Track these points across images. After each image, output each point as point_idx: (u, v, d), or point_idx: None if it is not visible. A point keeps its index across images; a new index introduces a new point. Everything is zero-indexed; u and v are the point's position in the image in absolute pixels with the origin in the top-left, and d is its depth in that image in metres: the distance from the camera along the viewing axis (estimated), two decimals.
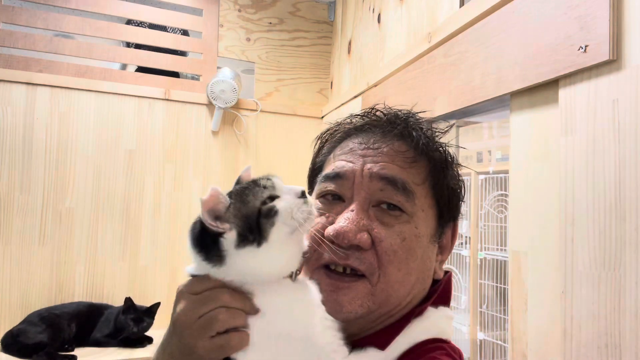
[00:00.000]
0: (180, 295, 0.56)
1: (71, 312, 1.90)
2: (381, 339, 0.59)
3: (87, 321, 1.93)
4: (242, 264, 0.54)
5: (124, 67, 2.47)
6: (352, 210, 0.60)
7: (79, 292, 2.09)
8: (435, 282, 0.67)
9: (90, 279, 2.11)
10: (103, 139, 2.17)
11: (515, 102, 1.13)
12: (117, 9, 2.23)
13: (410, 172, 0.62)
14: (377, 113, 0.68)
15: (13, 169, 2.02)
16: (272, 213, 0.54)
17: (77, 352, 1.82)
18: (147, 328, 1.91)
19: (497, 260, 2.15)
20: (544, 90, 1.04)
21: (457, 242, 2.42)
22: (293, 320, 0.55)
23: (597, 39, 0.89)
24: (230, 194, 0.56)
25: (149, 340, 1.95)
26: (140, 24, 2.34)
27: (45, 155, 2.07)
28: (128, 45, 2.34)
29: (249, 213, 0.54)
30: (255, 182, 0.57)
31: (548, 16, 1.01)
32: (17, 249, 2.01)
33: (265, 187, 0.56)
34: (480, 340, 2.19)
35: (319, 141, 0.71)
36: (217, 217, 0.54)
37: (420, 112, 0.69)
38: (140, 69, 2.33)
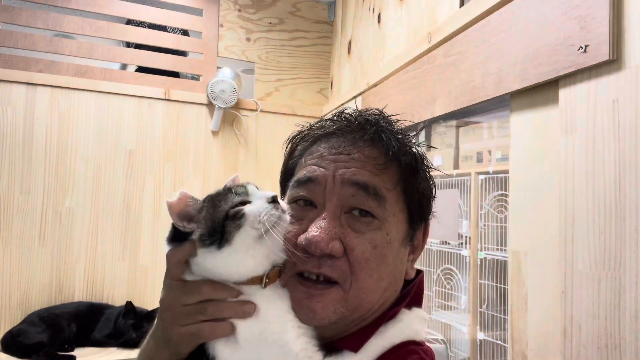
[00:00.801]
0: (165, 282, 0.59)
1: (71, 312, 1.90)
2: (354, 341, 0.60)
3: (88, 321, 1.93)
4: (204, 263, 0.57)
5: (124, 67, 2.47)
6: (324, 219, 0.60)
7: (79, 292, 2.09)
8: (406, 282, 0.68)
9: (90, 279, 2.11)
10: (103, 139, 2.17)
11: (515, 102, 1.13)
12: (117, 9, 2.23)
13: (382, 177, 0.62)
14: (348, 117, 0.67)
15: (13, 169, 2.02)
16: (238, 216, 0.56)
17: (77, 352, 1.82)
18: (146, 333, 1.91)
19: (497, 260, 2.15)
20: (544, 90, 1.04)
21: (457, 242, 2.41)
22: (266, 326, 0.56)
23: (597, 39, 0.89)
24: (204, 199, 0.60)
25: None
26: (140, 24, 2.34)
27: (45, 155, 2.07)
28: (128, 45, 2.34)
29: (216, 216, 0.57)
30: (229, 189, 0.60)
31: (548, 16, 1.01)
32: (17, 249, 2.01)
33: (237, 194, 0.59)
34: (480, 340, 2.19)
35: (290, 144, 0.71)
36: (189, 219, 0.58)
37: (391, 116, 0.68)
38: (140, 69, 2.33)
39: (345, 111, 0.68)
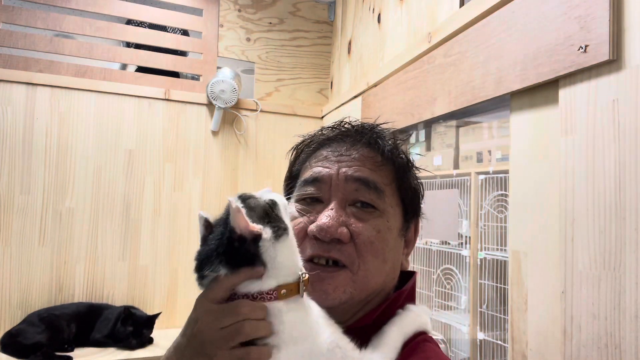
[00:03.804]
0: (201, 304, 0.57)
1: (71, 313, 1.90)
2: (367, 318, 0.67)
3: (87, 321, 1.93)
4: (282, 257, 0.56)
5: (124, 67, 2.47)
6: (332, 209, 0.67)
7: (79, 292, 2.09)
8: (402, 274, 0.75)
9: (90, 279, 2.11)
10: (103, 139, 2.17)
11: (515, 102, 1.13)
12: (117, 9, 2.23)
13: (379, 174, 0.70)
14: (347, 125, 0.76)
15: (13, 169, 2.02)
16: (275, 205, 0.59)
17: (77, 352, 1.82)
18: (145, 339, 1.91)
19: (497, 260, 2.15)
20: (544, 90, 1.04)
21: (457, 242, 2.41)
22: (312, 336, 0.56)
23: (597, 39, 0.89)
24: (248, 201, 0.59)
25: (150, 340, 1.95)
26: (140, 24, 2.34)
27: (45, 155, 2.07)
28: (128, 45, 2.34)
29: (263, 210, 0.58)
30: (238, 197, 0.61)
31: (548, 16, 1.01)
32: (17, 249, 2.01)
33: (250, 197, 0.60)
34: (480, 340, 2.19)
35: (295, 152, 0.79)
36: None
37: (383, 124, 0.77)
38: (140, 69, 2.33)
39: (344, 120, 0.77)
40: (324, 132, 0.77)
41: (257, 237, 0.55)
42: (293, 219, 0.68)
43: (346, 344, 0.58)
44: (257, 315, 0.55)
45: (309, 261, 0.66)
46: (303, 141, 0.78)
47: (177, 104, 2.30)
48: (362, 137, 0.72)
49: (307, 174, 0.72)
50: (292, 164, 0.79)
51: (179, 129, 2.30)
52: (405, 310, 0.69)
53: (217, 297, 0.56)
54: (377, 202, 0.68)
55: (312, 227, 0.66)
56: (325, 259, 0.66)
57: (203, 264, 0.57)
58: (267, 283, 0.56)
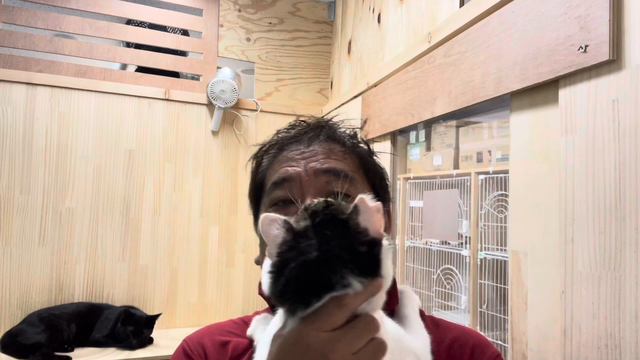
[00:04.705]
0: (306, 337, 0.44)
1: (71, 313, 1.91)
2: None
3: (87, 321, 1.93)
4: (390, 265, 0.46)
5: (124, 67, 2.47)
6: None
7: (79, 292, 2.09)
8: None
9: (90, 279, 2.11)
10: (103, 139, 2.17)
11: (515, 102, 1.13)
12: (117, 9, 2.23)
13: (346, 162, 0.70)
14: (303, 124, 0.75)
15: (13, 169, 2.02)
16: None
17: (77, 352, 1.82)
18: (146, 339, 1.91)
19: (497, 260, 2.15)
20: (544, 90, 1.04)
21: (457, 242, 2.40)
22: (398, 337, 0.53)
23: (597, 39, 0.89)
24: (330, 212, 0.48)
25: (150, 340, 1.95)
26: (140, 24, 2.34)
27: (45, 155, 2.07)
28: (128, 45, 2.34)
29: None
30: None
31: (548, 16, 1.01)
32: (17, 249, 2.01)
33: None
34: None
35: (255, 161, 0.77)
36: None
37: (335, 116, 0.77)
38: (140, 69, 2.33)
39: (298, 120, 0.77)
40: (280, 135, 0.76)
41: (380, 242, 0.45)
42: None
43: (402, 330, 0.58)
44: (377, 327, 0.47)
45: None
46: (261, 148, 0.77)
47: (177, 104, 2.30)
48: (320, 131, 0.72)
49: (274, 177, 0.69)
50: (255, 174, 0.76)
51: (179, 129, 2.30)
52: (405, 292, 0.71)
53: (339, 322, 0.44)
54: (351, 189, 0.67)
55: None
56: None
57: (315, 277, 0.43)
58: (383, 295, 0.47)
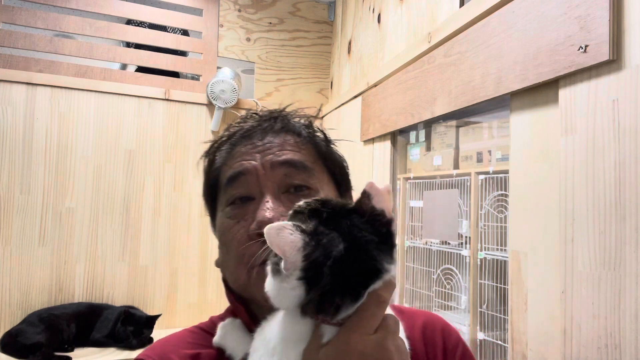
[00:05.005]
0: (355, 344, 0.42)
1: (70, 313, 1.91)
2: None
3: (87, 321, 1.93)
4: None
5: (124, 67, 2.47)
6: (268, 201, 0.61)
7: (79, 292, 2.09)
8: None
9: (90, 279, 2.11)
10: (103, 139, 2.17)
11: (515, 102, 1.13)
12: (117, 9, 2.23)
13: (303, 154, 0.66)
14: (255, 116, 0.72)
15: (13, 169, 2.02)
16: None
17: (77, 352, 1.82)
18: (146, 340, 1.91)
19: (497, 260, 2.15)
20: (544, 90, 1.04)
21: (457, 242, 2.39)
22: None
23: (597, 39, 0.89)
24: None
25: (150, 340, 1.95)
26: (140, 24, 2.34)
27: (45, 155, 2.07)
28: (128, 45, 2.34)
29: None
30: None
31: (548, 16, 1.01)
32: (17, 249, 2.01)
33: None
34: (480, 340, 2.19)
35: (207, 158, 0.73)
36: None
37: (288, 106, 0.74)
38: (140, 69, 2.33)
39: (249, 113, 0.73)
40: (232, 130, 0.71)
41: (394, 222, 0.45)
42: (229, 225, 0.63)
43: None
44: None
45: (263, 264, 0.59)
46: (213, 144, 0.73)
47: (177, 104, 2.30)
48: (274, 123, 0.69)
49: (228, 173, 0.66)
50: (208, 172, 0.72)
51: (179, 129, 2.30)
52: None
53: (379, 320, 0.43)
54: (310, 181, 0.64)
55: (253, 225, 0.59)
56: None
57: (358, 268, 0.41)
58: None
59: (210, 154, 0.72)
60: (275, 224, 0.42)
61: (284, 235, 0.41)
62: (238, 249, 0.61)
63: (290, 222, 0.43)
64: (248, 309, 0.64)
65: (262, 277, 0.53)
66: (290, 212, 0.47)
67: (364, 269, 0.42)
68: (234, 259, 0.62)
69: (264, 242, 0.46)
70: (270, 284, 0.44)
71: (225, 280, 0.68)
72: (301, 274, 0.41)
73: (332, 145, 0.72)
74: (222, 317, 0.69)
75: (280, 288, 0.43)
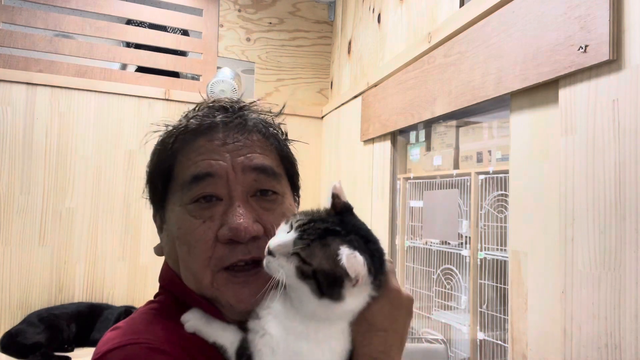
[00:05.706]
0: (401, 298, 0.61)
1: (70, 313, 1.91)
2: None
3: (87, 321, 1.93)
4: None
5: (124, 67, 2.47)
6: (239, 206, 0.61)
7: (79, 292, 2.09)
8: None
9: (90, 279, 2.11)
10: (103, 139, 2.17)
11: (515, 102, 1.13)
12: (117, 9, 2.23)
13: (271, 157, 0.67)
14: (224, 107, 0.69)
15: (13, 169, 2.02)
16: None
17: (77, 352, 1.82)
18: None
19: (497, 260, 2.15)
20: (544, 90, 1.04)
21: (457, 242, 2.39)
22: None
23: (597, 39, 0.89)
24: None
25: None
26: (140, 24, 2.34)
27: (45, 155, 2.07)
28: (128, 45, 2.34)
29: None
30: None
31: (548, 16, 1.01)
32: (17, 249, 2.01)
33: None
34: (480, 340, 2.19)
35: (162, 145, 0.72)
36: None
37: (253, 102, 0.73)
38: (140, 69, 2.33)
39: (205, 102, 0.71)
40: (190, 119, 0.69)
41: None
42: (194, 225, 0.62)
43: None
44: None
45: (226, 270, 0.60)
46: (172, 131, 0.71)
47: (177, 104, 2.30)
48: (245, 120, 0.67)
49: (193, 170, 0.64)
50: (161, 157, 0.71)
51: None
52: None
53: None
54: (278, 187, 0.66)
55: (224, 231, 0.60)
56: (246, 261, 0.61)
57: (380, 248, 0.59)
58: None
59: (167, 142, 0.71)
60: (348, 251, 0.51)
61: (358, 259, 0.51)
62: (204, 250, 0.60)
63: (345, 245, 0.52)
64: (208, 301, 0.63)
65: (228, 281, 0.60)
66: (296, 233, 0.55)
67: (380, 249, 0.58)
68: (199, 260, 0.61)
69: (232, 245, 0.60)
70: (342, 297, 0.53)
71: (172, 272, 0.69)
72: (370, 279, 0.54)
73: (287, 142, 0.72)
74: (163, 306, 0.69)
75: (350, 295, 0.53)
